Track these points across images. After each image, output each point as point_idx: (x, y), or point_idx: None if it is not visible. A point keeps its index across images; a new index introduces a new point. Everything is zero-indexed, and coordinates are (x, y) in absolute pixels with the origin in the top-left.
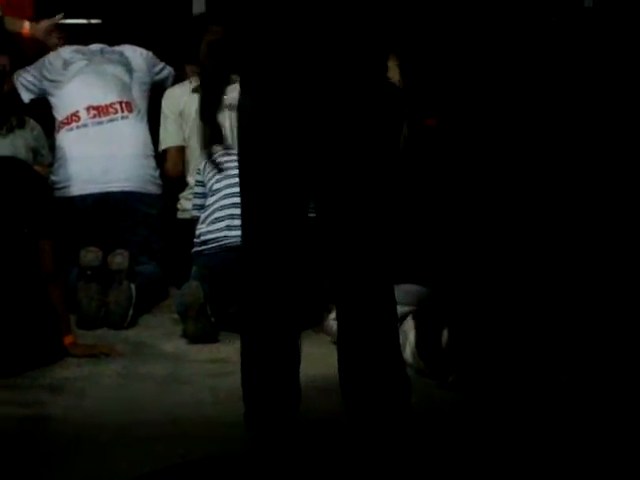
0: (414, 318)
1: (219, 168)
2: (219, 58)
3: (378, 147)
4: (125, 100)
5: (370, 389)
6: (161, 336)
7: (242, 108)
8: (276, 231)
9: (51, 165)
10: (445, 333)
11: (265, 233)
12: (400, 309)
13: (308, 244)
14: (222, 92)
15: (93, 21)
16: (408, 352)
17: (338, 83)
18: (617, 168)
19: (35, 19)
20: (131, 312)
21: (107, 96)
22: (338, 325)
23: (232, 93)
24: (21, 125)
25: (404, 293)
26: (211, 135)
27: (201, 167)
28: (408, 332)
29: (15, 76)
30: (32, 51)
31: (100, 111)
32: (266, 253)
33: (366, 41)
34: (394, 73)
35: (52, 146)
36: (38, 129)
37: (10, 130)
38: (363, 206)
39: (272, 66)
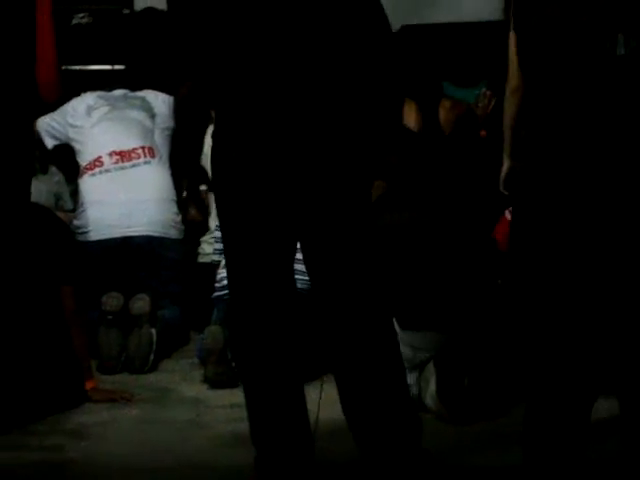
0: (435, 364)
1: None
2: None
3: (353, 187)
4: (148, 145)
5: (379, 430)
6: (182, 381)
7: (217, 145)
8: (262, 274)
9: (72, 211)
10: (467, 379)
11: (250, 277)
12: (421, 355)
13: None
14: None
15: (116, 67)
16: (429, 398)
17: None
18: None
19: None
20: (152, 357)
21: (130, 141)
22: (335, 366)
23: None
24: (44, 171)
25: (424, 339)
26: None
27: None
28: (429, 378)
29: (38, 122)
30: (52, 98)
31: (123, 156)
32: (254, 297)
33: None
34: (409, 118)
35: (75, 191)
36: (60, 175)
37: (33, 175)
38: (346, 242)
39: (250, 108)
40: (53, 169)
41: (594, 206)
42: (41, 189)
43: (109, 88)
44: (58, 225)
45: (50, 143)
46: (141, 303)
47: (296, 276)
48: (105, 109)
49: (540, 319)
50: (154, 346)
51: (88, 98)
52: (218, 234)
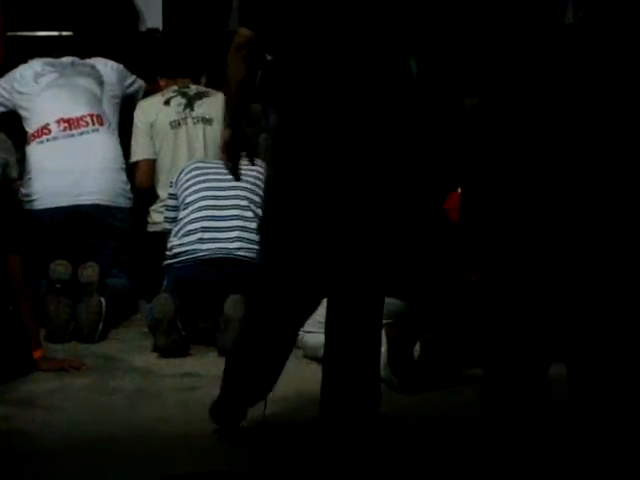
0: (386, 332)
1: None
2: (248, 65)
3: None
4: (96, 113)
5: (347, 397)
6: (131, 350)
7: (281, 133)
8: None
9: (19, 179)
10: (417, 347)
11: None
12: None
13: None
14: (248, 103)
15: (64, 33)
16: (380, 366)
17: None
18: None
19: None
20: (101, 326)
21: (78, 109)
22: (326, 332)
23: (202, 107)
24: None
25: None
26: (237, 142)
27: (174, 180)
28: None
29: None
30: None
31: (71, 124)
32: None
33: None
34: None
35: (22, 159)
36: (8, 142)
37: None
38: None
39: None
40: (1, 136)
41: (544, 182)
42: None
43: (57, 55)
44: (4, 193)
45: None
46: (90, 271)
47: (253, 246)
48: (53, 76)
49: (495, 292)
50: (103, 315)
51: (35, 65)
52: (170, 202)
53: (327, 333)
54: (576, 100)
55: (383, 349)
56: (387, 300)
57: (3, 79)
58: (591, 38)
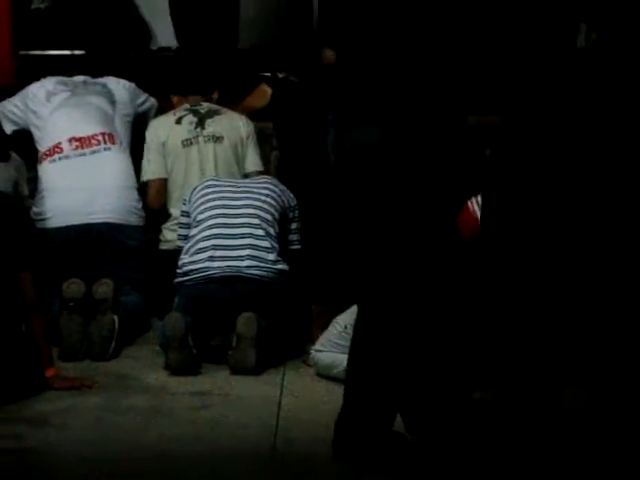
0: None
1: None
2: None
3: None
4: (108, 131)
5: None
6: (143, 368)
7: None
8: None
9: (31, 197)
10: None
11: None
12: None
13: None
14: None
15: (76, 52)
16: None
17: None
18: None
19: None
20: (113, 344)
21: (90, 127)
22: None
23: (212, 126)
24: (4, 159)
25: None
26: None
27: (187, 197)
28: None
29: None
30: (9, 82)
31: (82, 143)
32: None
33: None
34: None
35: (33, 178)
36: (18, 161)
37: None
38: None
39: None
40: (13, 155)
41: (560, 194)
42: (1, 172)
43: (69, 74)
44: (16, 211)
45: (9, 129)
46: (105, 288)
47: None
48: (65, 95)
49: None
50: (116, 333)
51: (47, 83)
52: (182, 220)
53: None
54: (590, 120)
55: None
56: None
57: (16, 97)
58: (603, 61)
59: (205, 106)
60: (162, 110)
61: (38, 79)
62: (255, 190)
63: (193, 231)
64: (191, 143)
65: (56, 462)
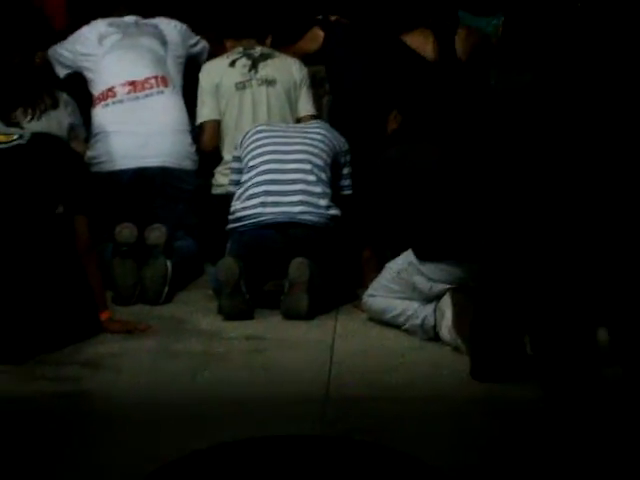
0: (451, 296)
1: None
2: None
3: None
4: (160, 74)
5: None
6: (196, 313)
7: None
8: None
9: (86, 140)
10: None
11: None
12: (437, 287)
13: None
14: None
15: None
16: (444, 330)
17: None
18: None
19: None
20: (166, 289)
21: (143, 71)
22: None
23: (265, 69)
24: (55, 106)
25: (440, 271)
26: None
27: (238, 142)
28: (445, 310)
29: (49, 51)
30: (61, 25)
31: (136, 86)
32: None
33: None
34: (426, 47)
35: (87, 121)
36: (72, 104)
37: (43, 112)
38: None
39: None
40: (65, 97)
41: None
42: (54, 119)
43: (118, 13)
44: (70, 156)
45: (62, 72)
46: (157, 233)
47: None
48: (117, 37)
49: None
50: (169, 278)
51: (99, 26)
52: (234, 165)
53: None
54: (586, 114)
55: (448, 313)
56: (451, 266)
57: (67, 40)
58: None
59: (259, 50)
60: (214, 56)
61: (88, 22)
62: (307, 135)
63: (245, 177)
64: (244, 86)
65: (110, 405)
